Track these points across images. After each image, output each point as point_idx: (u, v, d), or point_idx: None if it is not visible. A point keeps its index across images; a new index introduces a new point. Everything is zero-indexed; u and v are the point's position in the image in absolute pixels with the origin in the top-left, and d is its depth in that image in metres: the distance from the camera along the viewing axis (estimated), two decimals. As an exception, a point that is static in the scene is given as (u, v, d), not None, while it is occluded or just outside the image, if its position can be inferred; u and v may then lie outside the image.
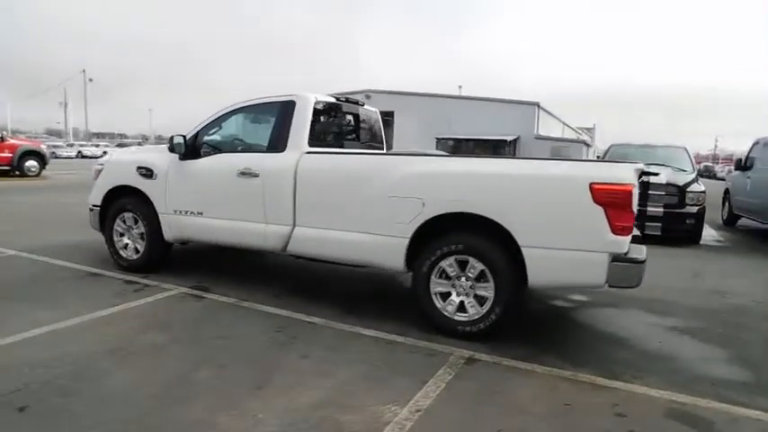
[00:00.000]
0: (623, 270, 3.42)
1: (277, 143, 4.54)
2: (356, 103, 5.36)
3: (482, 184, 3.73)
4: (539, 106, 31.06)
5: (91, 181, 5.68)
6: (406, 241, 3.95)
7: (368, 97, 34.99)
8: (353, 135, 5.31)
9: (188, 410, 2.71)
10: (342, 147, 4.97)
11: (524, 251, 3.60)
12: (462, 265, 3.83)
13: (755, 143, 10.66)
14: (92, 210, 5.57)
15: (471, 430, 2.65)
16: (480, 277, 3.79)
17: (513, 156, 24.84)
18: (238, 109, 4.92)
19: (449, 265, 3.86)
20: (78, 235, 7.08)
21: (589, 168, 3.51)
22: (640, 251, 3.65)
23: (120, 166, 5.43)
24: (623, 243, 3.40)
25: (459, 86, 38.29)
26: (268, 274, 5.69)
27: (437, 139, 31.13)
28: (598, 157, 25.90)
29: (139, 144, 45.78)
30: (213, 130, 4.95)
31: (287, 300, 4.61)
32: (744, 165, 10.64)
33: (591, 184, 3.40)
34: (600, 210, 3.38)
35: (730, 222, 11.56)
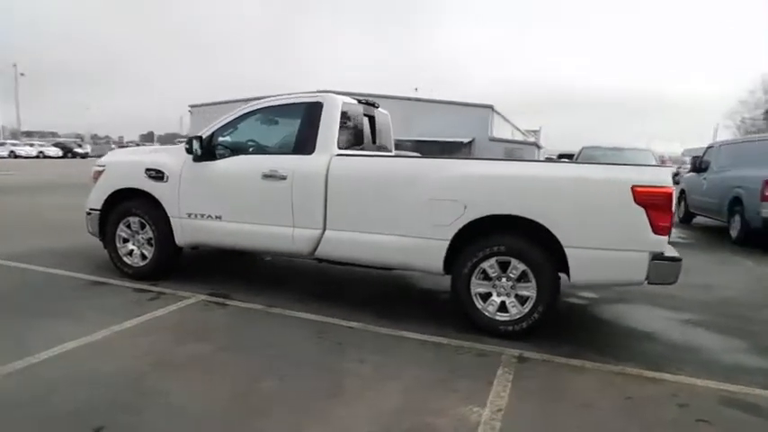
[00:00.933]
0: (663, 268, 3.60)
1: (304, 145, 4.45)
2: (373, 105, 5.34)
3: (525, 187, 3.82)
4: (493, 109, 31.94)
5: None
6: (446, 243, 3.99)
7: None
8: (370, 137, 5.28)
9: (271, 422, 2.63)
10: (362, 149, 4.93)
11: (567, 251, 3.71)
12: (503, 266, 3.91)
13: (710, 147, 11.46)
14: (89, 214, 5.24)
15: (554, 428, 2.72)
16: (521, 277, 3.88)
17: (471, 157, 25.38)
18: (258, 110, 4.79)
19: (490, 266, 3.93)
20: (53, 240, 6.64)
21: (631, 172, 3.67)
22: (672, 249, 3.86)
23: (124, 167, 5.14)
24: (663, 242, 3.59)
25: (416, 89, 38.86)
26: (282, 278, 5.57)
27: (395, 141, 31.30)
28: (547, 158, 26.95)
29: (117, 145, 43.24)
30: (230, 131, 4.79)
31: (313, 304, 4.52)
32: (699, 167, 11.42)
33: (633, 186, 3.56)
34: (641, 211, 3.55)
35: (686, 220, 12.35)
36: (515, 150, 29.42)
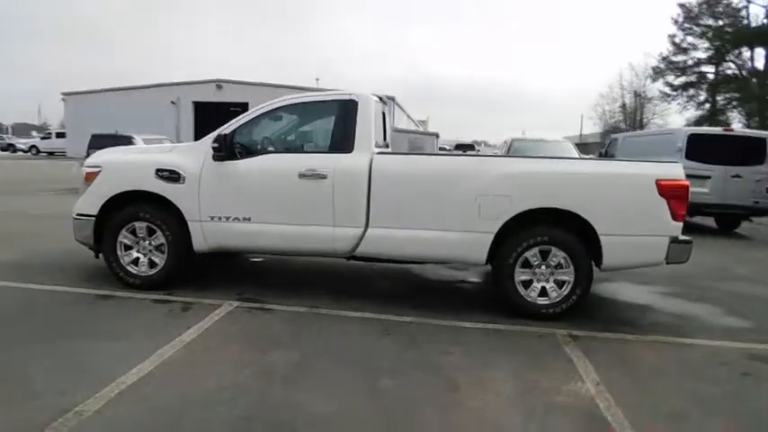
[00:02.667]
0: (679, 249, 4.22)
1: (342, 144, 4.43)
2: (383, 100, 5.41)
3: (566, 182, 4.22)
4: (394, 101, 32.67)
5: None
6: (492, 236, 4.26)
7: (219, 87, 33.11)
8: (383, 133, 5.35)
9: (428, 418, 2.72)
10: (386, 145, 5.00)
11: (602, 239, 4.19)
12: (544, 255, 4.29)
13: (614, 139, 13.02)
14: (79, 219, 4.69)
15: (653, 392, 3.13)
16: (560, 264, 4.29)
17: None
18: (284, 107, 4.64)
19: (533, 255, 4.29)
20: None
21: (654, 167, 4.23)
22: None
23: (129, 168, 4.67)
24: (679, 228, 4.21)
25: (317, 79, 38.15)
26: (295, 277, 5.47)
27: (298, 132, 30.82)
28: (442, 148, 28.30)
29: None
30: (254, 129, 4.58)
31: (350, 303, 4.55)
32: (604, 157, 12.93)
33: (657, 180, 4.13)
34: (664, 201, 4.13)
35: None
36: (418, 140, 30.39)
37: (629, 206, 4.19)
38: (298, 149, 4.65)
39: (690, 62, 40.70)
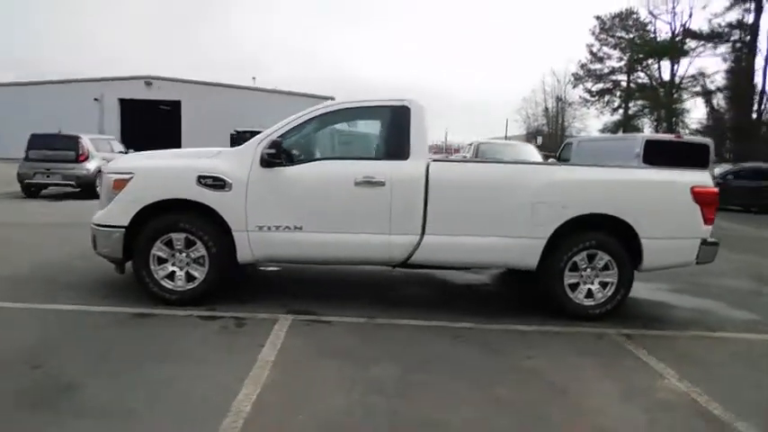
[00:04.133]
0: (708, 251, 4.60)
1: (397, 150, 4.38)
2: None
3: (612, 189, 4.46)
4: (333, 100, 32.49)
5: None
6: (544, 242, 4.41)
7: (149, 84, 31.16)
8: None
9: (565, 418, 2.78)
10: None
11: (643, 242, 4.46)
12: (590, 258, 4.50)
13: (568, 143, 13.79)
14: (104, 230, 4.28)
15: (740, 384, 3.41)
16: (605, 267, 4.52)
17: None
18: (332, 112, 4.50)
19: (581, 258, 4.48)
20: None
21: (689, 175, 4.57)
22: None
23: (167, 174, 4.31)
24: (709, 231, 4.58)
25: (253, 78, 36.87)
26: (328, 285, 5.31)
27: (236, 131, 29.66)
28: None
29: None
30: (302, 134, 4.42)
31: (400, 311, 4.53)
32: (558, 161, 13.69)
33: (692, 187, 4.47)
34: (697, 207, 4.48)
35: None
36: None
37: (667, 211, 4.50)
38: (350, 156, 4.52)
39: (605, 70, 43.99)
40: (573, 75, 46.09)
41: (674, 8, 36.28)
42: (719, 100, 32.42)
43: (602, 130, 42.94)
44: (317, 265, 5.19)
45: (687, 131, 32.26)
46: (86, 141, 11.97)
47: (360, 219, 4.34)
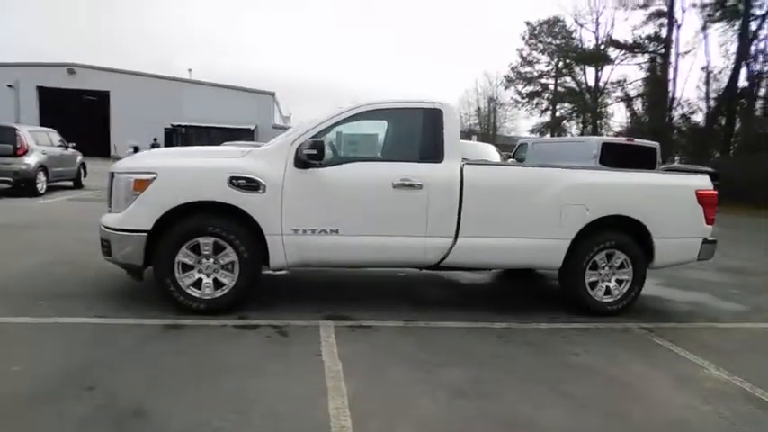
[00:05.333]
0: (708, 248, 4.97)
1: (432, 153, 4.35)
2: None
3: (629, 192, 4.70)
4: (274, 96, 31.65)
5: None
6: (569, 242, 4.58)
7: (72, 72, 28.82)
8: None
9: (647, 412, 2.91)
10: None
11: (655, 241, 4.75)
12: (608, 257, 4.72)
13: (523, 144, 14.34)
14: (122, 235, 3.93)
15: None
16: (621, 265, 4.76)
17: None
18: (365, 112, 4.38)
19: (600, 258, 4.70)
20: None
21: (693, 179, 4.91)
22: None
23: (195, 175, 4.01)
24: (710, 230, 4.95)
25: (189, 70, 34.99)
26: (347, 289, 5.16)
27: (172, 126, 28.20)
28: None
29: None
30: (337, 135, 4.28)
31: (432, 312, 4.53)
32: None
33: (696, 190, 4.81)
34: (700, 208, 4.83)
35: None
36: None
37: (676, 213, 4.81)
38: (385, 157, 4.42)
39: (535, 74, 46.06)
40: (505, 77, 47.88)
41: (597, 19, 38.73)
42: (638, 105, 35.09)
43: (532, 131, 45.02)
44: (348, 268, 5.05)
45: (611, 133, 34.58)
46: (25, 133, 10.87)
47: (397, 221, 4.28)
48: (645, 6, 32.48)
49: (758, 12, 27.27)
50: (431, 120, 4.42)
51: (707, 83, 30.17)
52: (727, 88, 28.82)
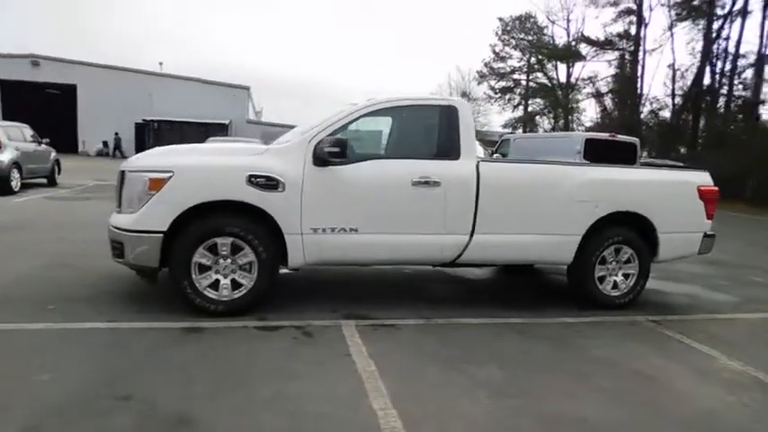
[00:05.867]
0: (708, 242, 5.14)
1: (448, 150, 4.36)
2: None
3: (637, 188, 4.82)
4: (249, 91, 31.10)
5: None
6: (579, 238, 4.67)
7: (35, 64, 27.71)
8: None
9: (681, 402, 3.00)
10: None
11: (660, 236, 4.89)
12: (616, 252, 4.84)
13: (505, 139, 14.51)
14: (136, 236, 3.81)
15: None
16: (628, 260, 4.88)
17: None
18: (382, 109, 4.35)
19: (609, 253, 4.81)
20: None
21: (694, 176, 5.06)
22: None
23: (213, 173, 3.91)
24: (710, 225, 5.12)
25: (160, 63, 33.92)
26: (358, 287, 5.13)
27: (143, 120, 27.40)
28: None
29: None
30: (354, 132, 4.23)
31: (447, 310, 4.55)
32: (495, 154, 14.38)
33: (698, 186, 4.97)
34: (701, 204, 4.99)
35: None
36: (275, 133, 29.47)
37: (679, 208, 4.96)
38: (403, 155, 4.38)
39: (507, 69, 46.60)
40: (477, 72, 48.28)
41: (568, 16, 39.48)
42: (609, 101, 35.98)
43: (505, 126, 45.56)
44: (365, 266, 5.02)
45: (583, 128, 35.37)
46: (-3, 129, 10.38)
47: (416, 219, 4.28)
48: (615, 4, 33.26)
49: (720, 12, 28.36)
50: (446, 117, 4.42)
51: (673, 80, 31.20)
52: (692, 85, 29.85)
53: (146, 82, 28.71)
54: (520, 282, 6.04)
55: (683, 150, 29.66)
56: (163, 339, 3.54)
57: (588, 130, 34.96)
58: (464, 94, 53.07)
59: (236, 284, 4.01)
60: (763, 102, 27.14)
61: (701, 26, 29.23)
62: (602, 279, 4.84)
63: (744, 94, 28.19)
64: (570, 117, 38.65)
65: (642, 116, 33.60)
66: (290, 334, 3.76)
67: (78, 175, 15.46)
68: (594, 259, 4.75)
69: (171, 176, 3.81)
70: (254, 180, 3.90)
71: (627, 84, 33.93)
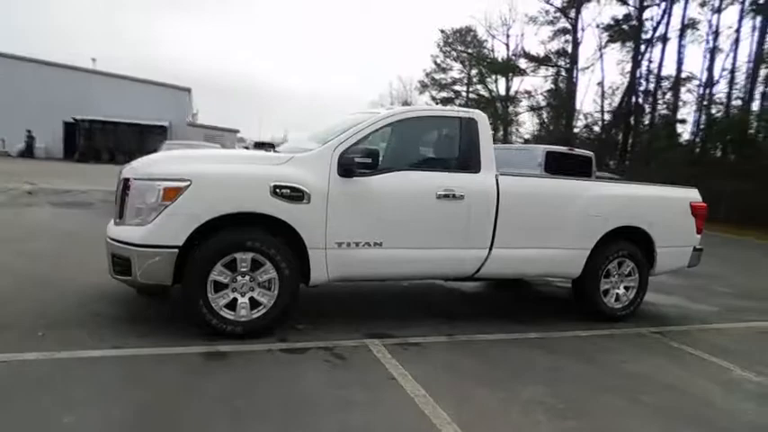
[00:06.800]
0: (697, 256, 5.40)
1: (469, 163, 4.29)
2: None
3: (640, 204, 4.97)
4: (189, 92, 29.74)
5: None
6: (588, 252, 4.75)
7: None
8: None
9: (726, 418, 3.07)
10: None
11: (657, 250, 5.07)
12: (619, 265, 4.96)
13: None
14: (148, 251, 3.42)
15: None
16: (629, 273, 5.02)
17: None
18: (404, 120, 4.20)
19: (612, 267, 4.92)
20: None
21: (686, 192, 5.29)
22: None
23: (235, 182, 3.58)
24: (699, 239, 5.37)
25: (93, 59, 31.32)
26: (367, 303, 4.93)
27: (74, 119, 25.42)
28: (247, 146, 27.35)
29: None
30: (377, 142, 4.06)
31: (463, 325, 4.47)
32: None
33: (690, 202, 5.21)
34: (692, 219, 5.24)
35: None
36: (216, 137, 28.29)
37: (674, 223, 5.18)
38: (425, 167, 4.24)
39: (448, 80, 47.77)
40: (419, 82, 49.18)
41: (508, 31, 41.10)
42: (546, 115, 37.71)
43: (446, 136, 46.54)
44: (383, 281, 4.83)
45: (522, 141, 36.79)
46: None
47: (440, 233, 4.17)
48: (552, 23, 34.97)
49: (645, 36, 30.56)
50: (467, 129, 4.36)
51: (602, 97, 33.22)
52: (620, 103, 31.94)
53: (77, 78, 26.67)
54: (510, 294, 6.07)
55: (611, 163, 31.53)
56: (184, 367, 3.19)
57: (526, 142, 36.46)
58: (405, 103, 53.91)
59: (254, 303, 3.72)
60: (682, 121, 29.54)
61: (628, 48, 31.37)
62: (606, 292, 4.95)
63: (666, 112, 30.52)
64: (509, 129, 40.08)
65: (576, 130, 35.44)
66: (320, 356, 3.52)
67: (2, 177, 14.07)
68: (601, 272, 4.85)
69: (188, 186, 3.47)
70: (279, 191, 3.63)
71: (562, 99, 35.73)
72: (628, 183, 5.17)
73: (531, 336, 4.35)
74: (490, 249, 4.37)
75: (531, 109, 38.46)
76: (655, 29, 29.56)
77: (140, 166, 3.73)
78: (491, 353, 3.90)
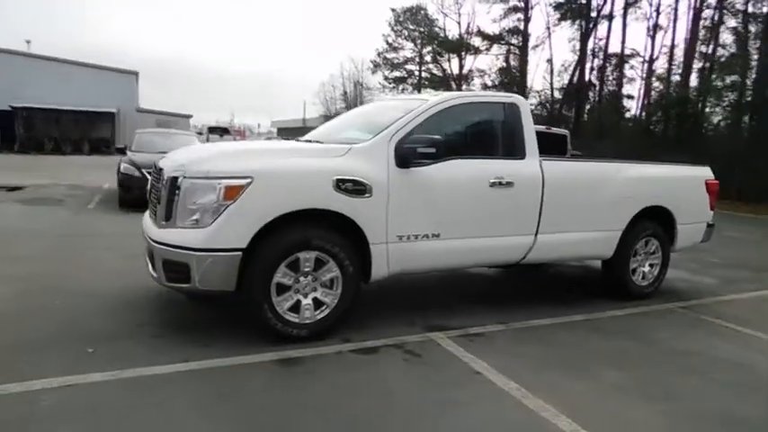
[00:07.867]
0: (709, 232, 5.64)
1: (514, 149, 4.26)
2: None
3: (665, 183, 5.12)
4: (137, 76, 28.06)
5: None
6: (620, 233, 4.86)
7: None
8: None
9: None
10: None
11: (678, 227, 5.26)
12: (645, 244, 5.11)
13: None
14: (210, 256, 3.19)
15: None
16: (654, 252, 5.18)
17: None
18: (453, 106, 4.09)
19: (640, 246, 5.06)
20: None
21: (701, 170, 5.47)
22: None
23: (298, 177, 3.37)
24: (711, 215, 5.60)
25: (28, 41, 28.58)
26: (407, 294, 4.81)
27: (11, 107, 23.44)
28: (200, 133, 26.27)
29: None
30: (428, 130, 3.92)
31: (508, 312, 4.47)
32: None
33: (705, 180, 5.42)
34: (707, 196, 5.46)
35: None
36: (170, 123, 26.96)
37: (692, 200, 5.37)
38: (475, 154, 4.13)
39: (400, 60, 47.49)
40: (371, 62, 48.60)
41: (459, 9, 41.28)
42: (499, 93, 38.31)
43: (401, 116, 46.41)
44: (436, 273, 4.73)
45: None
46: None
47: (492, 221, 4.14)
48: (503, 1, 35.29)
49: (593, 14, 31.44)
50: (511, 115, 4.32)
51: (551, 74, 34.06)
52: (570, 80, 32.85)
53: (11, 62, 24.54)
54: (526, 277, 6.11)
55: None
56: (268, 375, 3.04)
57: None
58: (358, 84, 53.32)
59: (317, 304, 3.56)
60: (629, 96, 30.81)
61: (577, 27, 32.18)
62: (634, 270, 5.09)
63: (614, 88, 31.69)
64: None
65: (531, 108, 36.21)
66: (392, 354, 3.43)
67: None
68: (630, 252, 4.97)
69: (250, 183, 3.24)
70: (342, 185, 3.46)
71: (515, 77, 36.35)
72: (651, 164, 5.28)
73: (576, 318, 4.42)
74: (536, 235, 4.38)
75: (485, 87, 38.87)
76: (600, 7, 30.43)
77: (190, 163, 3.43)
78: (551, 339, 3.92)
